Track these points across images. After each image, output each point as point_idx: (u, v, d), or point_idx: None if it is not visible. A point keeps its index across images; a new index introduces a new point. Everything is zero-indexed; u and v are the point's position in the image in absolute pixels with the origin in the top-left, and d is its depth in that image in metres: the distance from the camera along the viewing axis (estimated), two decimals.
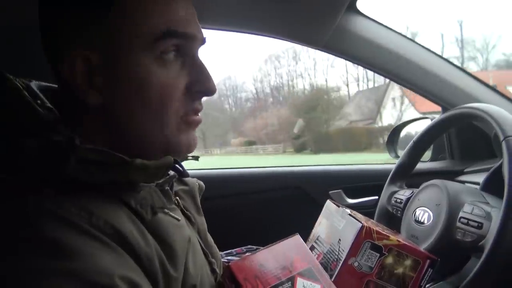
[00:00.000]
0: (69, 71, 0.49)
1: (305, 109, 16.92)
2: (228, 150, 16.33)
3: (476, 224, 0.74)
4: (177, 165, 0.53)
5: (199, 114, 0.56)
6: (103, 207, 0.45)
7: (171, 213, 0.54)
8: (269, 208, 1.37)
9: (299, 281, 0.56)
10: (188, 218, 0.62)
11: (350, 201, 1.37)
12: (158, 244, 0.48)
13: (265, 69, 20.83)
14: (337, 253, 0.68)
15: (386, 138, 1.47)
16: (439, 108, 1.29)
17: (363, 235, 0.67)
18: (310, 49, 1.24)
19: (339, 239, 0.69)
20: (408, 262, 0.68)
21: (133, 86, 0.49)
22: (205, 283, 0.54)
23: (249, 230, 1.22)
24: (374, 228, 0.68)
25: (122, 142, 0.52)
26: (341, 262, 0.66)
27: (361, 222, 0.68)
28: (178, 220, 0.54)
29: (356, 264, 0.66)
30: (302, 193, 1.38)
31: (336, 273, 0.66)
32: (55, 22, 0.50)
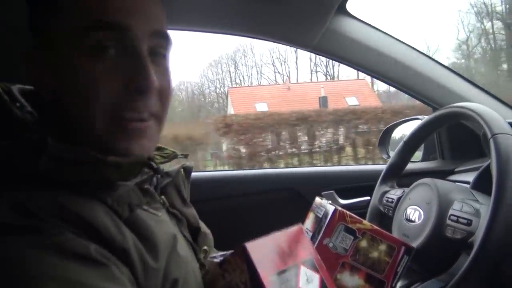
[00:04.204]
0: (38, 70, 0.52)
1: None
2: None
3: (465, 221, 0.75)
4: (152, 163, 0.53)
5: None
6: (77, 202, 0.46)
7: (150, 210, 0.54)
8: (262, 209, 1.37)
9: (303, 269, 0.57)
10: (174, 216, 0.62)
11: (343, 201, 1.37)
12: (136, 237, 0.49)
13: (208, 75, 21.31)
14: (316, 237, 0.72)
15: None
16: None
17: (336, 218, 0.71)
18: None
19: (319, 225, 0.73)
20: (383, 247, 0.70)
21: (69, 79, 0.49)
22: (189, 279, 0.54)
23: (242, 232, 1.21)
24: (348, 212, 0.72)
25: (76, 138, 0.51)
26: (317, 242, 0.70)
27: (335, 206, 0.72)
28: (158, 215, 0.55)
29: (331, 245, 0.70)
30: (295, 194, 1.38)
31: None
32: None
